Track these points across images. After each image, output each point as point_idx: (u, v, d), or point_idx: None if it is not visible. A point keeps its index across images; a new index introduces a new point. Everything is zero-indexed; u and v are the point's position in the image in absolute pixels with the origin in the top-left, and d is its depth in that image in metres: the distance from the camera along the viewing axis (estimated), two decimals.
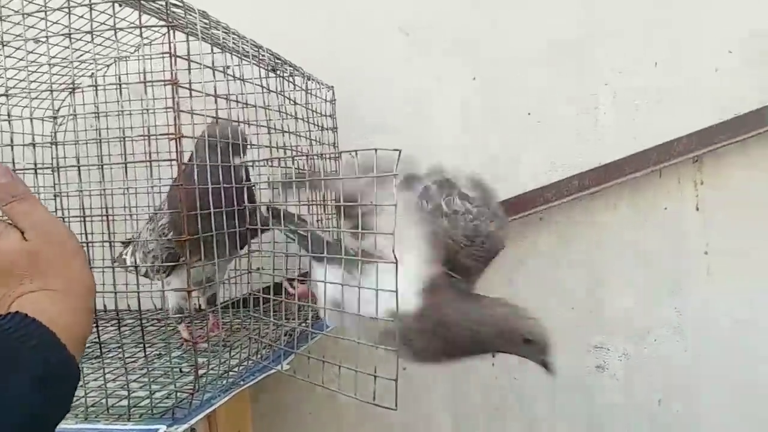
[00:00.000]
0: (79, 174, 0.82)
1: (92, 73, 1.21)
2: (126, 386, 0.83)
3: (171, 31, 0.77)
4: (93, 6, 0.78)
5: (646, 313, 1.34)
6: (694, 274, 1.32)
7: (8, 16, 0.82)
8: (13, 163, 0.88)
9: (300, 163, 1.13)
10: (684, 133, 1.25)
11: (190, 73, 0.79)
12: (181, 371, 0.94)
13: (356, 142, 1.24)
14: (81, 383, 0.85)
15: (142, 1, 0.77)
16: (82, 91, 1.11)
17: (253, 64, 1.01)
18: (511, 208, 1.31)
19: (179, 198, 0.80)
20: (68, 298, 0.47)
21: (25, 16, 0.78)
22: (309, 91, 1.18)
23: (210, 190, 0.82)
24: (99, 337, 0.81)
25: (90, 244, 0.82)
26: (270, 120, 1.02)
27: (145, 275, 1.08)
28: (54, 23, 0.83)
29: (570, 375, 1.34)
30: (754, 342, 1.30)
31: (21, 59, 0.83)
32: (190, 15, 0.83)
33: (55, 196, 0.97)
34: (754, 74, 1.25)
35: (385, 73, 1.36)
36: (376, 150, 0.73)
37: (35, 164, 0.86)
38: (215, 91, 0.84)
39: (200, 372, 0.84)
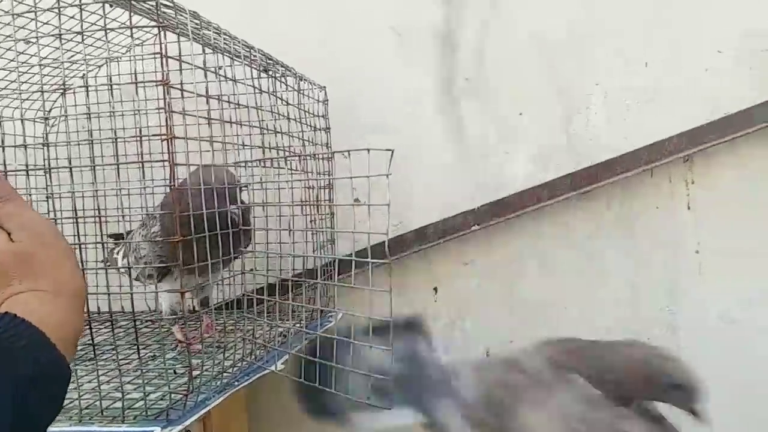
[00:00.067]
0: (71, 175, 0.82)
1: (83, 74, 1.21)
2: (120, 388, 0.83)
3: (162, 32, 0.77)
4: (83, 6, 0.78)
5: (639, 312, 1.35)
6: (687, 273, 1.33)
7: None
8: (5, 164, 0.88)
9: (293, 163, 1.13)
10: (675, 132, 1.26)
11: (181, 73, 0.79)
12: (175, 372, 0.94)
13: (355, 143, 1.24)
14: (75, 385, 0.85)
15: (132, 2, 0.77)
16: (74, 92, 1.11)
17: (245, 64, 1.00)
18: (504, 207, 1.32)
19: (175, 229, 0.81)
20: (58, 298, 0.47)
21: (15, 16, 0.78)
22: (301, 92, 1.18)
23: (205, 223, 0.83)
24: (93, 339, 0.80)
25: (83, 246, 0.82)
26: (262, 120, 1.02)
27: (137, 279, 1.07)
28: (44, 24, 0.83)
29: None
30: (747, 341, 1.31)
31: (11, 60, 0.83)
32: (181, 15, 0.83)
33: (47, 197, 0.96)
34: (745, 74, 1.26)
35: (383, 73, 1.37)
36: (368, 150, 0.73)
37: (27, 166, 0.85)
38: (207, 91, 0.84)
39: (194, 373, 0.84)
